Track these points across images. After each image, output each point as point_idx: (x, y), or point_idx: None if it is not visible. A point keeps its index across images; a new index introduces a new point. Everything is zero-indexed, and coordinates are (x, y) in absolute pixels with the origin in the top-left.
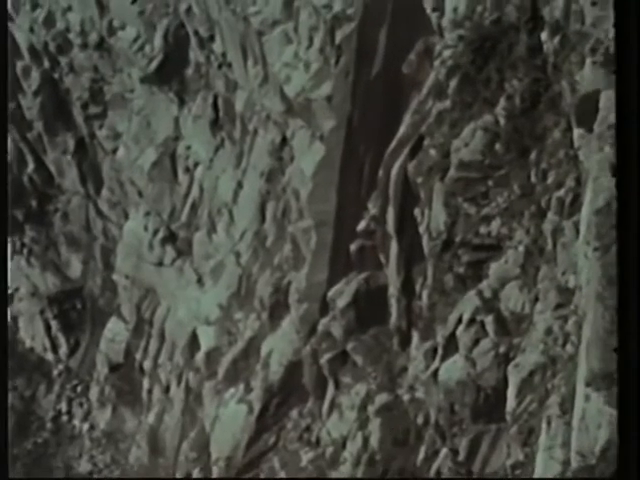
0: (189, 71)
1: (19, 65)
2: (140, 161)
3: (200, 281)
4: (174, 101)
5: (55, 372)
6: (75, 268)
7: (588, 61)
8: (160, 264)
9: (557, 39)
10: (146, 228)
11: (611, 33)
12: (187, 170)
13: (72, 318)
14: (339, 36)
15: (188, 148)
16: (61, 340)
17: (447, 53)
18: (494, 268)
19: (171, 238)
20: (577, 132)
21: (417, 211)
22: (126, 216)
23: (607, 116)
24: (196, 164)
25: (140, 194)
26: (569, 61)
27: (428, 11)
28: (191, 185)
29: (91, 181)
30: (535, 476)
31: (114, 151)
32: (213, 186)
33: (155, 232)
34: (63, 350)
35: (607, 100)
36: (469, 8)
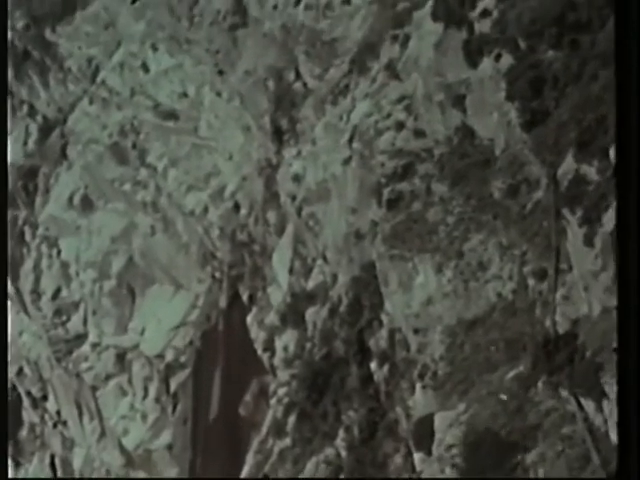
0: (23, 433)
1: None
2: None
3: None
4: (9, 466)
5: None
6: None
7: (418, 386)
8: None
9: (386, 368)
10: None
11: (437, 355)
12: None
13: None
14: (174, 384)
15: None
16: None
17: (282, 391)
18: None
19: None
20: (417, 456)
21: None
22: None
23: (444, 438)
24: None
25: None
26: (400, 388)
27: (259, 352)
28: None
29: None
30: None
31: None
32: None
33: None
34: None
35: (442, 422)
36: (298, 345)
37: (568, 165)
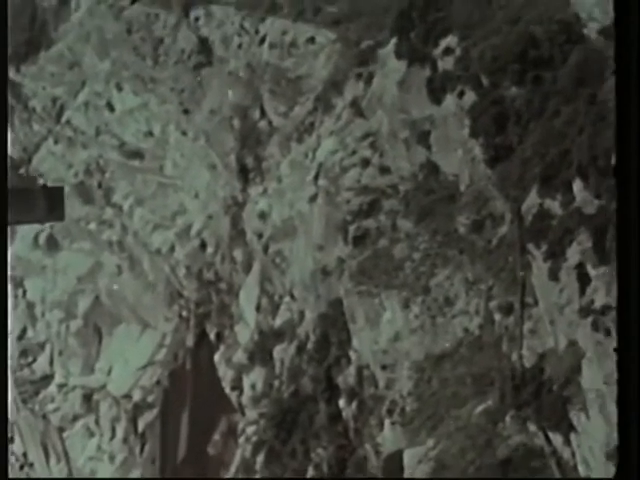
0: None
1: None
2: None
3: None
4: None
5: None
6: None
7: (387, 422)
8: None
9: (354, 405)
10: None
11: (405, 391)
12: None
13: None
14: (142, 424)
15: None
16: None
17: (250, 430)
18: None
19: None
20: None
21: None
22: None
23: (413, 474)
24: None
25: None
26: (369, 424)
27: (227, 390)
28: None
29: None
30: None
31: None
32: None
33: None
34: None
35: (411, 458)
36: (266, 383)
37: (532, 200)
